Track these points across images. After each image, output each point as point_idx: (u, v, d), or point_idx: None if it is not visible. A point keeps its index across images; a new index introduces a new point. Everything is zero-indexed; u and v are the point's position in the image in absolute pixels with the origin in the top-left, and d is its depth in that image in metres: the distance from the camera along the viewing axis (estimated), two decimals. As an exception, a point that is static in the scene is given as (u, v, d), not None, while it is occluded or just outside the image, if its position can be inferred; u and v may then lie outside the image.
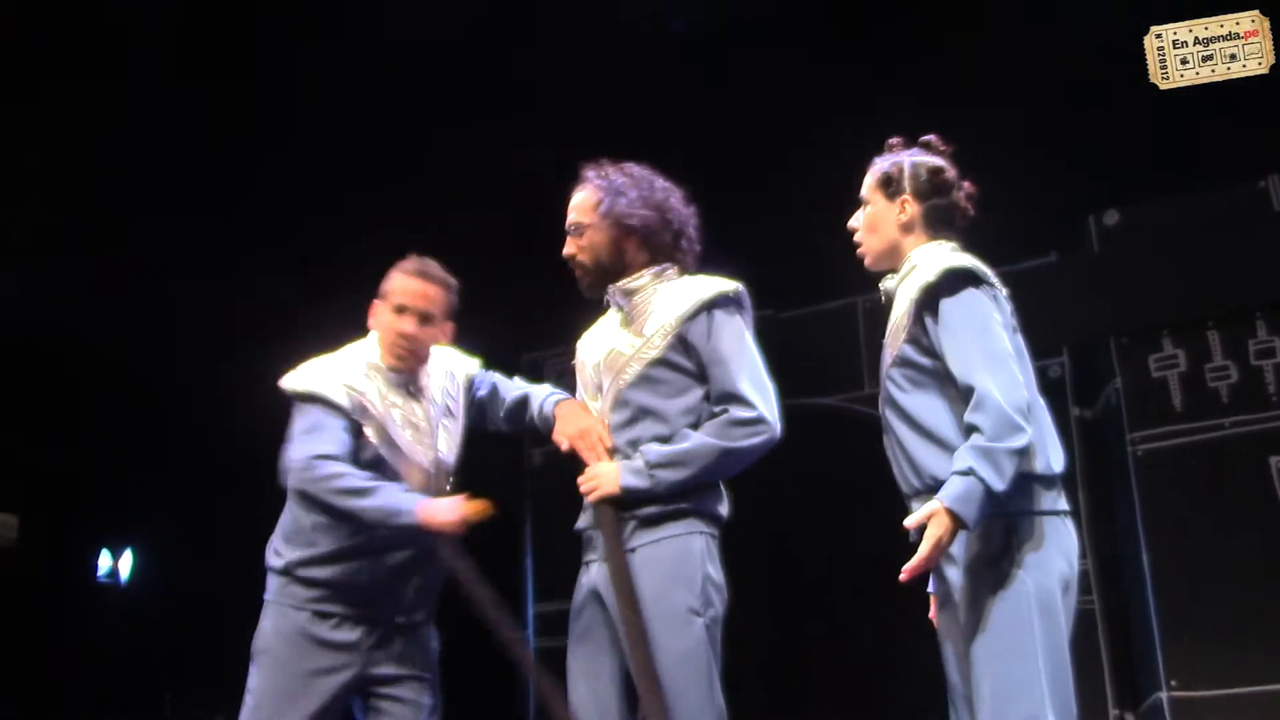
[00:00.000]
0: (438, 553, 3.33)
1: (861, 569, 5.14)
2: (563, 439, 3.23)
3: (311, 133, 6.42)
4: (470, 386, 3.68)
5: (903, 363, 2.93)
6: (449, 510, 3.27)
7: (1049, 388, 6.15)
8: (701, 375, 3.15)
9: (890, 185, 3.07)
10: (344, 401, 3.42)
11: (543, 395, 3.50)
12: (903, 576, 2.70)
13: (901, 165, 3.08)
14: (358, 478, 3.31)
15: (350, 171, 6.51)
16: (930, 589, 3.00)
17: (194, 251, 6.75)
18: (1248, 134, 5.73)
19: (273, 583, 3.50)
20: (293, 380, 3.49)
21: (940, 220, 3.06)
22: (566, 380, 3.56)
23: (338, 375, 3.47)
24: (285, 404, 3.54)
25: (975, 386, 2.74)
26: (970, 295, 2.86)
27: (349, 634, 3.41)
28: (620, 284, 3.27)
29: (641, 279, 3.27)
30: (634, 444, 3.13)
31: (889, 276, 3.10)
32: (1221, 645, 5.53)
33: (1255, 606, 5.52)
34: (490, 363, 3.77)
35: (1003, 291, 2.95)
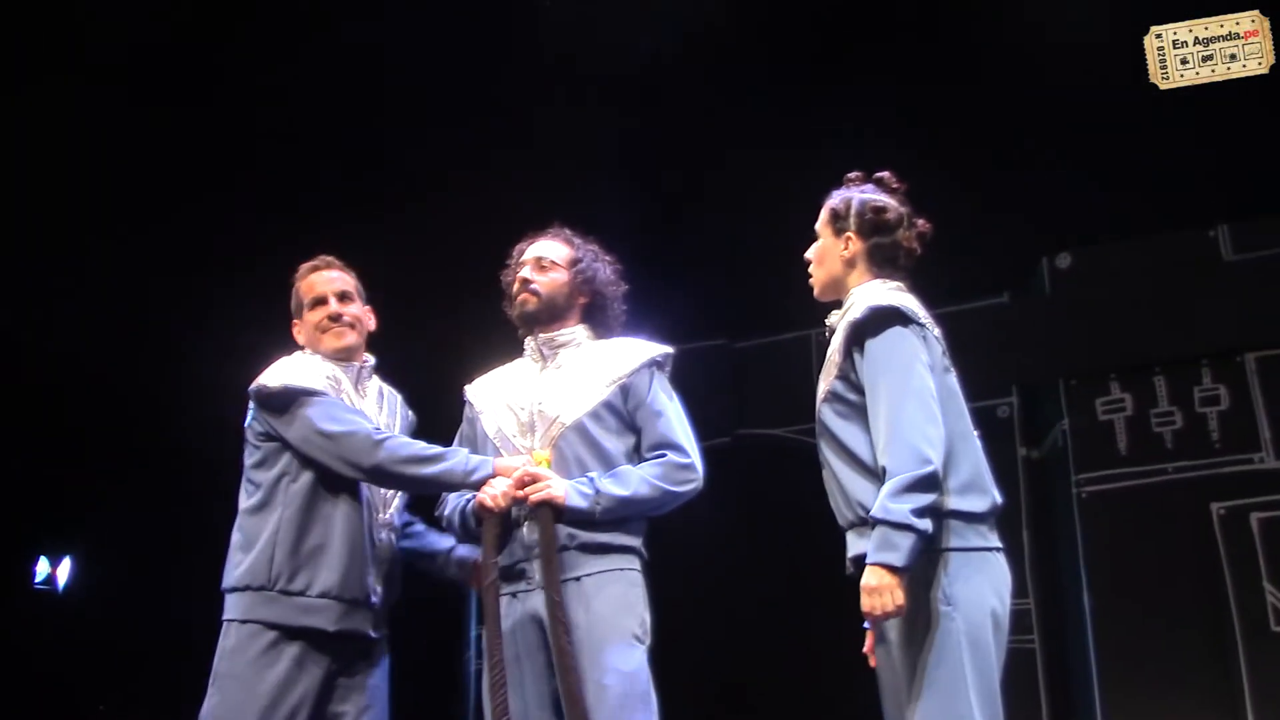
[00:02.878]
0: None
1: (812, 598, 5.13)
2: (509, 491, 3.22)
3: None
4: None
5: (833, 397, 3.00)
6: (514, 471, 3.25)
7: (998, 427, 6.25)
8: (633, 424, 3.36)
9: (837, 221, 3.14)
10: (332, 394, 3.46)
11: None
12: (866, 648, 2.84)
13: (850, 201, 3.14)
14: (423, 445, 3.36)
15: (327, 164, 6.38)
16: (866, 624, 3.01)
17: (132, 255, 6.62)
18: (1200, 184, 5.81)
19: (242, 601, 3.35)
20: (282, 376, 3.44)
21: (883, 259, 3.11)
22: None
23: (316, 370, 3.50)
24: (251, 403, 3.49)
25: (885, 427, 2.80)
26: (895, 334, 2.91)
27: (320, 655, 3.33)
28: (550, 334, 3.46)
29: (573, 334, 3.47)
30: (581, 469, 3.28)
31: (833, 312, 3.16)
32: (1160, 689, 5.56)
33: (1194, 652, 5.57)
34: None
35: (934, 331, 3.00)
